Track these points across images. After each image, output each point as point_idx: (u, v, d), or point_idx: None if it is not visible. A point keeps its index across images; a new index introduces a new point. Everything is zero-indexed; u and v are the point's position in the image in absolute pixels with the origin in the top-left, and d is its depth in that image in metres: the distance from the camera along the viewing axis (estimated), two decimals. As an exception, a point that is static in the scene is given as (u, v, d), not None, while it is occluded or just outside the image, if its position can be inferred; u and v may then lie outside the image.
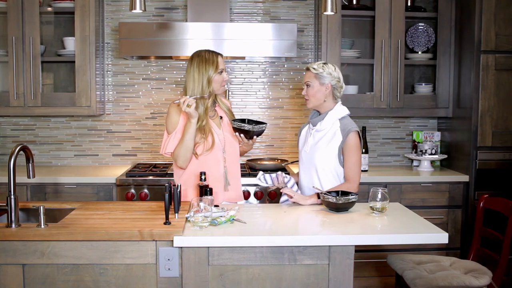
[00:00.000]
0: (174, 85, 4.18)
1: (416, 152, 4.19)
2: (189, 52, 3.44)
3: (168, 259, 2.13)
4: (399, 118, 4.30)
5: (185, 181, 2.73)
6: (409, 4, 4.04)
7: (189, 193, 2.73)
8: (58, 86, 4.09)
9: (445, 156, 4.07)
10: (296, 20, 4.19)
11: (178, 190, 2.33)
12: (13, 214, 2.17)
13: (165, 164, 4.01)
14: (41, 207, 2.17)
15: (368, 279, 3.77)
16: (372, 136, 4.30)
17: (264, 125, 2.75)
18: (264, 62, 4.21)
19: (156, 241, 2.13)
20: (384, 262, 3.11)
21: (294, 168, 3.78)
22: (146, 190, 3.57)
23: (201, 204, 2.20)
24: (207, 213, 2.19)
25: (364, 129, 4.06)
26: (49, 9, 3.89)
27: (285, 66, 4.23)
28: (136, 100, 4.18)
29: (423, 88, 4.09)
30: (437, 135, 4.23)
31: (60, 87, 4.09)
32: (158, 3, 4.13)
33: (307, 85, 2.75)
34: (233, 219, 2.30)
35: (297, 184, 2.85)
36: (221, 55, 2.74)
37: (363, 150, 3.81)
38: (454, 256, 3.31)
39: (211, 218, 2.21)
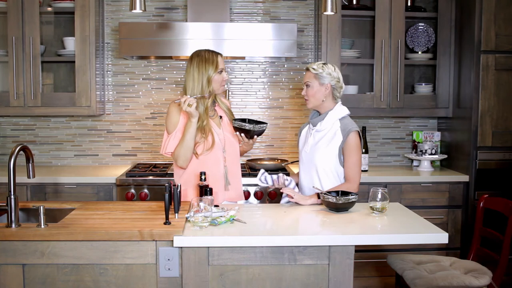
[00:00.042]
0: (174, 85, 4.18)
1: (416, 152, 4.19)
2: (189, 52, 3.44)
3: (168, 259, 2.13)
4: (399, 118, 4.30)
5: (185, 181, 2.73)
6: (409, 4, 4.04)
7: (189, 193, 2.73)
8: (58, 86, 4.09)
9: (445, 156, 4.07)
10: (296, 20, 4.19)
11: (178, 190, 2.33)
12: (13, 214, 2.17)
13: (165, 164, 4.01)
14: (41, 207, 2.17)
15: (368, 279, 3.77)
16: (372, 136, 4.30)
17: (264, 125, 2.77)
18: (264, 62, 4.21)
19: (156, 241, 2.13)
20: (384, 262, 3.11)
21: (294, 168, 3.78)
22: (146, 190, 3.57)
23: (201, 204, 2.20)
24: (207, 213, 2.19)
25: (364, 129, 4.06)
26: (49, 9, 3.89)
27: (285, 66, 4.23)
28: (136, 100, 4.18)
29: (423, 88, 4.09)
30: (437, 135, 4.23)
31: (60, 87, 4.09)
32: (158, 3, 4.13)
33: (306, 85, 2.75)
34: (233, 219, 2.30)
35: (297, 185, 2.85)
36: (220, 54, 2.74)
37: (363, 150, 3.80)
38: (454, 256, 3.32)
39: (211, 218, 2.21)
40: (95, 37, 3.80)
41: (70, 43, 3.88)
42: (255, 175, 3.60)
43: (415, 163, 4.24)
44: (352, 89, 4.00)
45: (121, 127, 4.19)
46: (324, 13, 2.94)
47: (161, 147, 2.76)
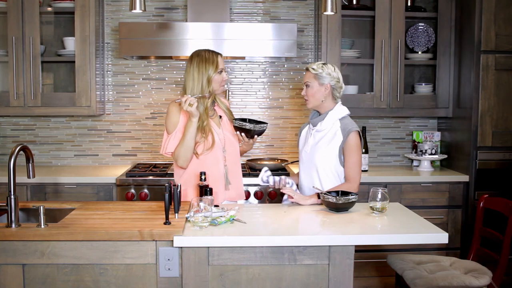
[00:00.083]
0: (174, 85, 4.18)
1: (416, 152, 4.19)
2: (189, 52, 3.44)
3: (168, 259, 2.13)
4: (399, 118, 4.30)
5: (185, 181, 2.73)
6: (409, 4, 4.04)
7: (189, 193, 2.73)
8: (58, 86, 4.09)
9: (445, 156, 4.07)
10: (296, 20, 4.19)
11: (178, 190, 2.33)
12: (13, 214, 2.17)
13: (165, 164, 4.01)
14: (41, 207, 2.17)
15: (368, 279, 3.77)
16: (372, 136, 4.30)
17: (265, 125, 2.78)
18: (264, 62, 4.21)
19: (156, 241, 2.13)
20: (384, 262, 3.11)
21: (294, 168, 3.79)
22: (146, 190, 3.57)
23: (201, 204, 2.20)
24: (207, 213, 2.19)
25: (364, 129, 4.06)
26: (49, 9, 3.89)
27: (285, 66, 4.23)
28: (136, 100, 4.18)
29: (423, 88, 4.09)
30: (437, 135, 4.23)
31: (60, 87, 4.09)
32: (158, 3, 4.13)
33: (306, 86, 2.75)
34: (233, 219, 2.30)
35: (297, 186, 2.85)
36: (220, 55, 2.74)
37: (363, 150, 3.80)
38: (454, 256, 3.32)
39: (211, 218, 2.21)
40: (95, 37, 3.80)
41: (70, 43, 3.88)
42: (255, 175, 3.62)
43: (415, 163, 4.24)
44: (352, 89, 4.00)
45: (121, 127, 4.19)
46: (324, 13, 2.94)
47: (161, 147, 2.76)
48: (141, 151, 4.21)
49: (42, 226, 2.15)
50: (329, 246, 2.14)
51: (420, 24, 4.08)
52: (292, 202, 2.65)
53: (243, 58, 4.11)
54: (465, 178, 3.76)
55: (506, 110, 3.70)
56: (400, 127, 4.34)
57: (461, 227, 3.80)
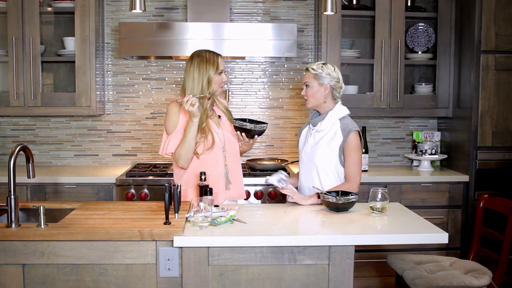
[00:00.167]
0: (174, 85, 4.18)
1: (416, 152, 4.19)
2: (189, 52, 3.43)
3: (168, 259, 2.13)
4: (399, 118, 4.30)
5: (186, 181, 2.73)
6: (409, 4, 4.04)
7: (189, 193, 2.73)
8: (58, 86, 4.09)
9: (445, 156, 4.07)
10: (296, 20, 4.19)
11: (178, 190, 2.33)
12: (13, 214, 2.17)
13: (165, 164, 4.01)
14: (41, 207, 2.17)
15: (368, 279, 3.77)
16: (372, 136, 4.30)
17: (265, 125, 2.79)
18: (264, 62, 4.21)
19: (156, 241, 2.13)
20: (384, 262, 3.11)
21: (294, 168, 3.78)
22: (146, 190, 3.57)
23: (201, 204, 2.20)
24: (207, 213, 2.19)
25: (364, 129, 4.06)
26: (49, 9, 3.89)
27: (285, 66, 4.23)
28: (136, 100, 4.18)
29: (423, 88, 4.09)
30: (437, 135, 4.23)
31: (60, 87, 4.09)
32: (158, 3, 4.13)
33: (306, 86, 2.75)
34: (233, 219, 2.30)
35: (297, 188, 2.85)
36: (221, 56, 2.75)
37: (363, 150, 3.80)
38: (454, 256, 3.31)
39: (211, 218, 2.21)
40: (95, 37, 3.80)
41: (70, 43, 3.88)
42: (255, 175, 3.64)
43: (415, 163, 4.24)
44: (352, 89, 4.00)
45: (121, 127, 4.19)
46: (324, 13, 2.94)
47: (160, 148, 2.75)
48: (141, 151, 4.21)
49: (42, 226, 2.15)
50: (329, 246, 2.14)
51: (420, 24, 4.08)
52: (292, 202, 2.65)
53: (243, 58, 4.11)
54: (465, 178, 3.76)
55: (506, 110, 3.70)
56: (400, 127, 4.34)
57: (461, 227, 3.80)
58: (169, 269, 2.14)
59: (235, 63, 4.20)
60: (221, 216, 2.27)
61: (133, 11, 2.74)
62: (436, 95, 3.99)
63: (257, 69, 4.22)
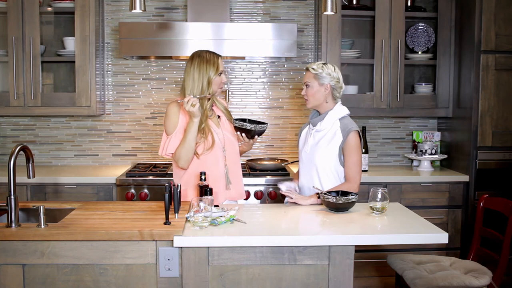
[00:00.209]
0: (174, 85, 4.18)
1: (416, 152, 4.19)
2: (189, 52, 3.44)
3: (168, 259, 2.13)
4: (399, 118, 4.30)
5: (185, 182, 2.73)
6: (409, 4, 4.03)
7: (189, 193, 2.73)
8: (58, 86, 4.09)
9: (445, 156, 4.07)
10: (296, 20, 4.18)
11: (178, 190, 2.33)
12: (13, 214, 2.17)
13: (165, 164, 4.01)
14: (41, 207, 2.17)
15: (368, 279, 3.77)
16: (372, 136, 4.30)
17: (265, 125, 2.79)
18: (264, 62, 4.21)
19: (156, 241, 2.13)
20: (384, 262, 3.11)
21: (294, 168, 3.78)
22: (146, 190, 3.57)
23: (201, 204, 2.20)
24: (207, 213, 2.19)
25: (364, 129, 4.06)
26: (49, 9, 3.89)
27: (285, 66, 4.23)
28: (136, 100, 4.18)
29: (423, 88, 4.09)
30: (437, 135, 4.23)
31: (60, 87, 4.09)
32: (158, 3, 4.13)
33: (306, 85, 2.76)
34: (233, 219, 2.30)
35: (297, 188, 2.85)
36: (221, 56, 2.75)
37: (363, 150, 3.80)
38: (454, 256, 3.31)
39: (211, 218, 2.21)
40: (95, 37, 3.80)
41: (70, 43, 3.88)
42: (255, 175, 3.64)
43: (415, 163, 4.24)
44: (352, 89, 4.00)
45: (121, 127, 4.19)
46: (324, 13, 2.94)
47: (160, 149, 2.74)
48: (141, 151, 4.21)
49: (42, 226, 2.15)
50: (329, 246, 2.14)
51: (420, 24, 4.08)
52: (292, 202, 2.65)
53: (243, 58, 4.11)
54: (465, 178, 3.76)
55: (506, 110, 3.70)
56: (400, 127, 4.34)
57: (461, 227, 3.80)
58: (169, 269, 2.14)
59: (235, 63, 4.20)
60: (221, 216, 2.27)
61: (133, 11, 2.74)
62: (436, 95, 3.99)
63: (257, 69, 4.22)
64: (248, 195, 3.58)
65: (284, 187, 2.73)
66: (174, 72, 4.17)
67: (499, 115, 3.70)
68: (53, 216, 2.53)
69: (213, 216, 2.24)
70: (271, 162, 3.98)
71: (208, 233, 2.13)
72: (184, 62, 4.13)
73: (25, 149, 2.30)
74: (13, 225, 2.17)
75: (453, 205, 3.79)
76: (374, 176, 3.77)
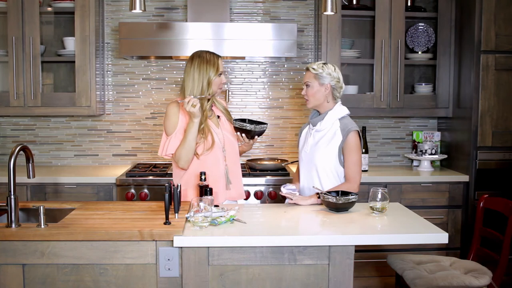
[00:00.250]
0: (174, 85, 4.18)
1: (416, 152, 4.19)
2: (189, 52, 3.44)
3: (168, 259, 2.13)
4: (399, 118, 4.30)
5: (185, 182, 2.73)
6: (409, 4, 4.04)
7: (189, 193, 2.73)
8: (58, 86, 4.09)
9: (445, 156, 4.07)
10: (296, 20, 4.19)
11: (178, 190, 2.33)
12: (13, 214, 2.17)
13: (165, 164, 4.01)
14: (41, 207, 2.17)
15: (368, 279, 3.77)
16: (372, 136, 4.30)
17: (265, 125, 2.79)
18: (264, 62, 4.21)
19: (156, 241, 2.13)
20: (384, 262, 3.11)
21: (294, 168, 3.78)
22: (146, 190, 3.57)
23: (201, 204, 2.20)
24: (207, 213, 2.19)
25: (364, 129, 4.06)
26: (49, 9, 3.89)
27: (285, 66, 4.23)
28: (136, 100, 4.18)
29: (423, 88, 4.09)
30: (437, 135, 4.23)
31: (60, 87, 4.09)
32: (158, 3, 4.13)
33: (306, 85, 2.76)
34: (233, 219, 2.30)
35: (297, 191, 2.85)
36: (221, 57, 2.75)
37: (363, 150, 3.81)
38: (454, 256, 3.31)
39: (211, 218, 2.21)
40: (95, 37, 3.80)
41: (70, 43, 3.88)
42: (255, 175, 3.64)
43: (415, 163, 4.24)
44: (352, 89, 4.00)
45: (121, 127, 4.19)
46: (324, 13, 2.94)
47: (159, 149, 2.74)
48: (141, 151, 4.21)
49: (42, 226, 2.15)
50: (329, 246, 2.14)
51: (420, 24, 4.08)
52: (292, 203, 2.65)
53: (243, 58, 4.11)
54: (465, 178, 3.76)
55: (506, 110, 3.70)
56: (400, 127, 4.34)
57: (461, 227, 3.80)
58: (169, 269, 2.14)
59: (235, 63, 4.20)
60: (221, 216, 2.27)
61: (133, 11, 2.74)
62: (436, 95, 3.99)
63: (257, 69, 4.22)
64: (248, 195, 3.58)
65: (284, 189, 2.73)
66: (174, 72, 4.17)
67: (499, 115, 3.70)
68: (53, 216, 2.53)
69: (213, 216, 2.24)
70: (271, 162, 3.98)
71: (208, 233, 2.13)
72: (184, 62, 4.13)
73: (25, 149, 2.30)
74: (13, 225, 2.17)
75: (453, 205, 3.79)
76: (374, 176, 3.77)
